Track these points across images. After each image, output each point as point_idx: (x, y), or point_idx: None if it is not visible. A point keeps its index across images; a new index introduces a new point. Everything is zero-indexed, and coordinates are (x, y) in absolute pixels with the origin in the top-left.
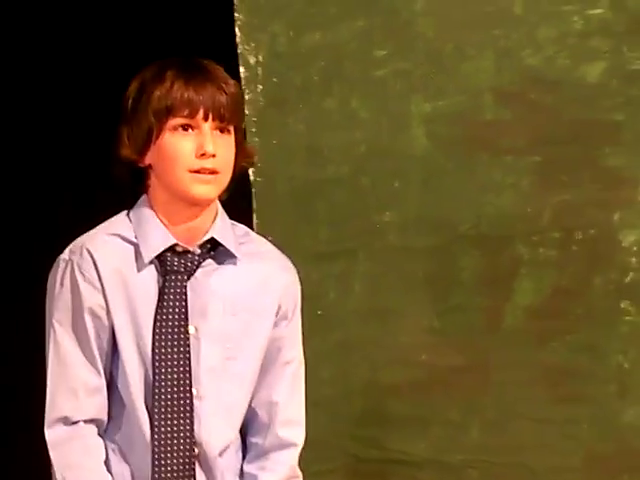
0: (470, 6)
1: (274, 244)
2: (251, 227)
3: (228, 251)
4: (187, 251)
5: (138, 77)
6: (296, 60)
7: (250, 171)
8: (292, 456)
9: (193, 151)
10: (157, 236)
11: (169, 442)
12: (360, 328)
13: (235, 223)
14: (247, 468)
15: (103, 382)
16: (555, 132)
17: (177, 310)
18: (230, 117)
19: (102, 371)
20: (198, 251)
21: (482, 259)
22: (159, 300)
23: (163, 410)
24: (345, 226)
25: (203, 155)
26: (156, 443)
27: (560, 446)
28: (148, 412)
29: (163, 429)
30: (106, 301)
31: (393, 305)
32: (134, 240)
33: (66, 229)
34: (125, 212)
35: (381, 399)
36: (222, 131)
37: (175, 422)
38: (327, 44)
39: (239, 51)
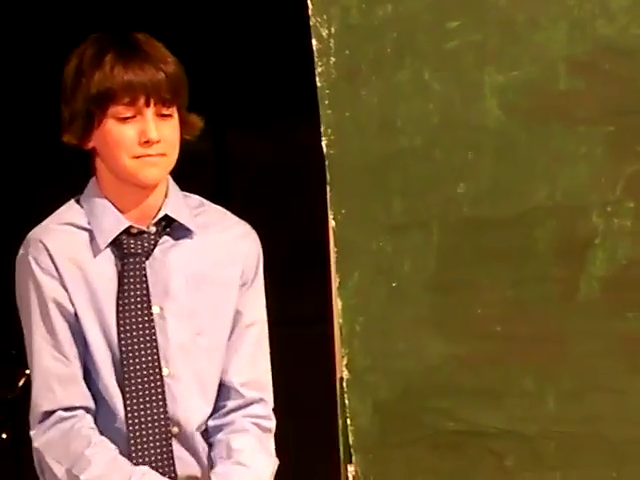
0: None
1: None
2: (325, 199)
3: (184, 226)
4: (143, 231)
5: (76, 56)
6: (368, 32)
7: (323, 144)
8: (258, 410)
9: (136, 138)
10: (110, 220)
11: (144, 425)
12: (435, 300)
13: (188, 194)
14: (215, 430)
15: (76, 370)
16: (629, 102)
17: (138, 292)
18: (172, 99)
19: (75, 359)
20: (153, 230)
21: (556, 230)
22: (119, 284)
23: (134, 394)
24: (419, 198)
25: (147, 142)
26: (131, 427)
27: (637, 417)
28: (122, 396)
29: (137, 413)
30: (66, 290)
31: (467, 277)
32: (87, 226)
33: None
34: (75, 199)
35: (456, 371)
36: (164, 113)
37: (148, 405)
38: (399, 16)
39: (311, 24)
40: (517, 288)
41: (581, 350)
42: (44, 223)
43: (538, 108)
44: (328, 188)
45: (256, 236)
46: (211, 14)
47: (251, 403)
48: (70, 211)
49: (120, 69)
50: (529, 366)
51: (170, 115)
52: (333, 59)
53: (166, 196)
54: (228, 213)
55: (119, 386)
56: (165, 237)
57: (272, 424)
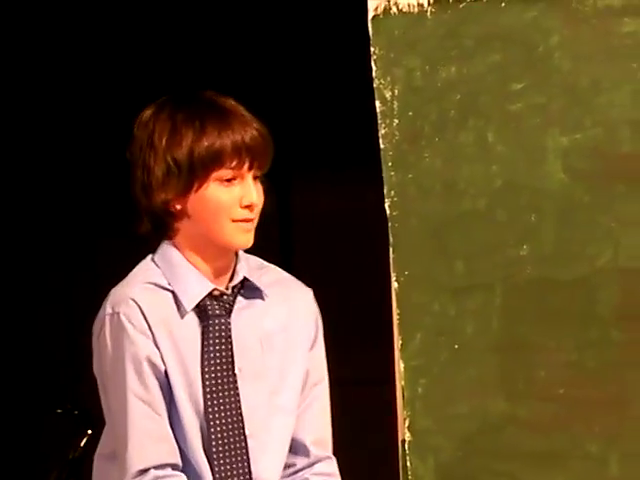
0: (606, 39)
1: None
2: (388, 261)
3: (254, 287)
4: (222, 294)
5: (163, 114)
6: (432, 94)
7: (386, 205)
8: (327, 467)
9: (237, 201)
10: (194, 283)
11: None
12: (498, 362)
13: (248, 256)
14: None
15: (167, 427)
16: None
17: (224, 353)
18: (267, 163)
19: (165, 417)
20: (229, 292)
21: (620, 292)
22: (203, 345)
23: (221, 454)
24: (482, 260)
25: (248, 206)
26: None
27: None
28: (206, 456)
29: (223, 473)
30: (158, 348)
31: (531, 339)
32: (169, 287)
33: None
34: (149, 258)
35: (519, 433)
36: (256, 178)
37: (234, 465)
38: (463, 78)
39: (375, 85)
40: (580, 351)
41: None
42: (127, 282)
43: (601, 171)
44: (391, 250)
45: (313, 297)
46: (278, 71)
47: (318, 461)
48: (149, 271)
49: (228, 133)
50: (593, 429)
51: (259, 180)
52: (396, 121)
53: (237, 260)
54: (285, 273)
55: (203, 444)
56: (239, 298)
57: None
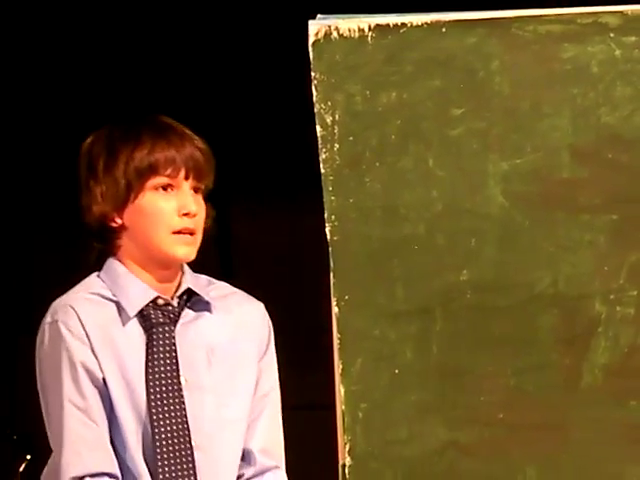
0: (546, 65)
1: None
2: (328, 286)
3: (202, 300)
4: (167, 304)
5: (102, 137)
6: (372, 119)
7: (327, 230)
8: (275, 477)
9: (175, 210)
10: (137, 290)
11: None
12: (437, 387)
13: (196, 274)
14: None
15: (104, 436)
16: (632, 190)
17: (168, 362)
18: (206, 176)
19: (103, 425)
20: (176, 302)
21: (559, 317)
22: (147, 354)
23: (166, 464)
24: (422, 285)
25: (186, 215)
26: None
27: None
28: (147, 467)
29: None
30: (95, 356)
31: (470, 364)
32: (113, 298)
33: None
34: (95, 274)
35: (459, 458)
36: (196, 190)
37: (179, 476)
38: (403, 103)
39: (315, 110)
40: (520, 375)
41: (584, 438)
42: (70, 292)
43: (541, 196)
44: (331, 274)
45: (265, 310)
46: (216, 97)
47: (267, 470)
48: (94, 283)
49: (163, 144)
50: (532, 454)
51: (200, 193)
52: (337, 145)
53: (182, 273)
54: (234, 288)
55: (144, 455)
56: (186, 310)
57: None
